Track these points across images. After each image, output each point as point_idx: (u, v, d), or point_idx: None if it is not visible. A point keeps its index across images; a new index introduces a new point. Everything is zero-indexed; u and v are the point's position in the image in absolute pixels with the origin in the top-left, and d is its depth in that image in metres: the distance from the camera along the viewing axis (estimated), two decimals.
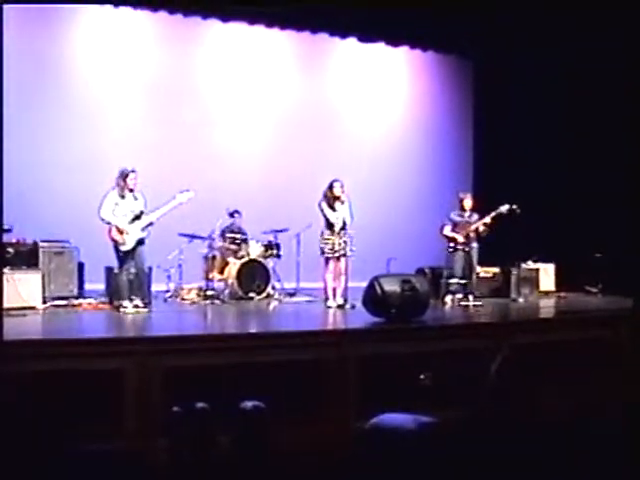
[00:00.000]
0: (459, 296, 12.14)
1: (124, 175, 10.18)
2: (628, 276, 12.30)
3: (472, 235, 12.24)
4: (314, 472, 4.73)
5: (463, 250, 12.24)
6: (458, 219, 12.43)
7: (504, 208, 12.16)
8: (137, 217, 10.19)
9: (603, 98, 13.71)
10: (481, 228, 12.18)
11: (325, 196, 11.11)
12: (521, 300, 12.90)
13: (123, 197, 10.17)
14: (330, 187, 11.11)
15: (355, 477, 3.24)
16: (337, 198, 11.03)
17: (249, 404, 4.38)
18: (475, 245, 12.32)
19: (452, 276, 12.25)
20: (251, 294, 12.36)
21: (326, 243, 11.05)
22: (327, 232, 11.07)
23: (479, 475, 2.90)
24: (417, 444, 3.01)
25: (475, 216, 12.37)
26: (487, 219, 12.20)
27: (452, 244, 12.29)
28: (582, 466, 3.66)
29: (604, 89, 13.67)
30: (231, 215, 13.13)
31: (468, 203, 12.51)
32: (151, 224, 10.31)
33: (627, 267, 12.51)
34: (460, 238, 12.23)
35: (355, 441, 3.37)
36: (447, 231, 12.40)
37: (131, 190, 10.23)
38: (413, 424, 3.10)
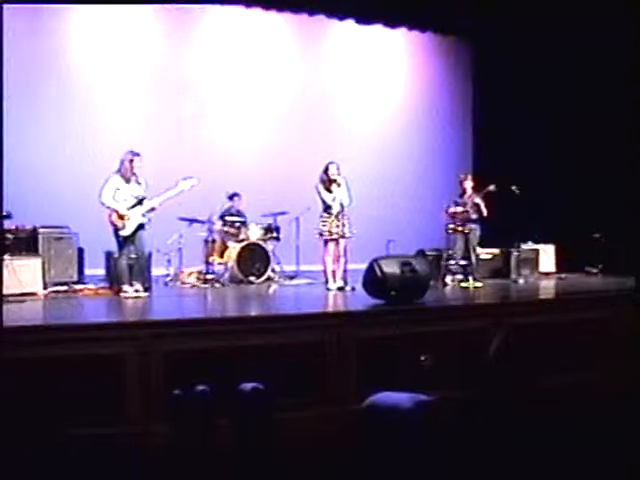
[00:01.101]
0: (459, 277, 12.17)
1: (130, 159, 10.15)
2: (628, 256, 12.32)
3: (468, 216, 12.24)
4: (315, 453, 4.74)
5: (462, 231, 12.26)
6: (460, 200, 12.45)
7: (492, 187, 12.27)
8: (139, 202, 10.17)
9: (603, 79, 13.69)
10: (481, 207, 12.19)
11: (321, 179, 11.09)
12: (521, 281, 12.91)
13: (128, 181, 10.12)
14: (325, 170, 11.08)
15: (354, 456, 3.25)
16: (333, 180, 11.01)
17: (248, 386, 4.39)
18: (476, 226, 12.33)
19: (452, 257, 12.27)
20: (251, 277, 12.36)
21: (324, 225, 11.04)
22: (324, 214, 11.06)
23: (476, 453, 2.91)
24: (413, 422, 3.02)
25: (474, 196, 12.38)
26: (477, 199, 12.24)
27: (452, 225, 12.32)
28: (582, 446, 3.67)
29: (604, 70, 13.66)
30: (230, 198, 13.13)
31: (468, 183, 12.53)
32: (153, 209, 10.30)
33: (627, 248, 12.53)
34: (459, 214, 12.25)
35: (353, 420, 3.38)
36: (451, 210, 12.43)
37: (134, 174, 10.20)
38: (409, 402, 3.11)
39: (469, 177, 12.75)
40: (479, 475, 2.92)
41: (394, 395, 3.25)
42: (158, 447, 5.98)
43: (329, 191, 11.04)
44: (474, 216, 12.31)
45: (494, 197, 12.26)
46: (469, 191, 12.47)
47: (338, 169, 11.08)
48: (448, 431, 2.98)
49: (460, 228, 12.28)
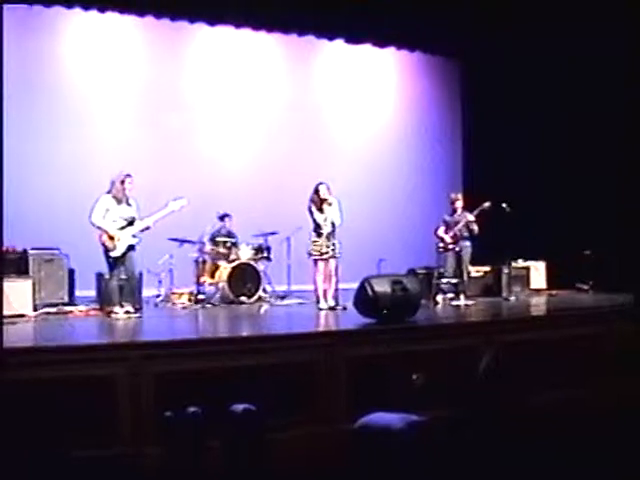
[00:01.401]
0: (450, 296, 12.18)
1: (121, 179, 10.16)
2: (621, 273, 12.35)
3: (460, 234, 12.27)
4: (306, 473, 4.73)
5: (453, 250, 12.28)
6: (449, 219, 12.48)
7: (486, 205, 12.27)
8: (129, 223, 10.17)
9: (592, 97, 13.74)
10: (471, 226, 12.22)
11: (312, 199, 11.09)
12: (512, 298, 12.93)
13: (119, 202, 10.13)
14: (316, 190, 11.08)
15: (346, 477, 3.24)
16: (324, 200, 11.01)
17: (240, 407, 4.38)
18: (467, 244, 12.36)
19: (443, 276, 12.28)
20: (242, 297, 12.34)
21: (314, 245, 11.04)
22: (315, 234, 11.06)
23: (467, 472, 2.90)
24: (405, 443, 3.01)
25: (465, 214, 12.40)
26: (471, 217, 12.25)
27: (442, 244, 12.36)
28: (572, 463, 3.67)
29: (593, 87, 13.72)
30: (221, 218, 13.13)
31: (459, 203, 12.55)
32: (148, 228, 10.30)
33: (620, 264, 12.56)
34: (448, 238, 12.28)
35: (345, 441, 3.37)
36: (440, 232, 12.45)
37: (125, 195, 10.20)
38: (401, 423, 3.10)
39: (459, 196, 12.76)
40: None
41: (386, 416, 3.25)
42: (149, 469, 5.96)
43: (321, 211, 11.04)
44: (466, 234, 12.33)
45: (486, 214, 12.28)
46: (460, 210, 12.49)
47: (329, 189, 11.09)
48: (439, 451, 2.97)
49: (451, 247, 12.30)
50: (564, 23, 13.35)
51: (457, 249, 12.30)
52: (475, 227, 12.25)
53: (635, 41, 12.71)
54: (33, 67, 13.33)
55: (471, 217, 12.27)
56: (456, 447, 2.96)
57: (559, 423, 4.02)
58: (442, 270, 12.37)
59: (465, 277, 12.35)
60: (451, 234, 12.31)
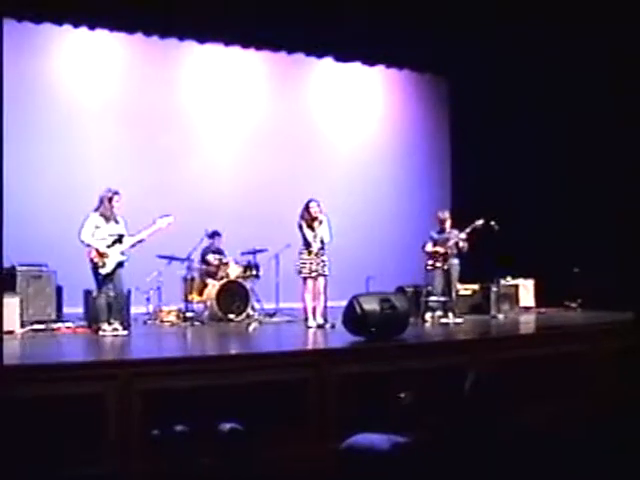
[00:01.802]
0: (439, 314, 12.17)
1: (109, 197, 10.16)
2: (607, 291, 12.38)
3: (450, 252, 12.28)
4: None
5: (442, 268, 12.28)
6: (437, 237, 12.47)
7: (479, 223, 12.24)
8: (117, 240, 10.16)
9: (580, 113, 13.82)
10: (461, 244, 12.22)
11: (302, 216, 11.10)
12: (501, 316, 12.94)
13: (107, 220, 10.13)
14: (306, 207, 11.10)
15: None
16: (315, 218, 11.02)
17: (227, 426, 4.37)
18: (455, 262, 12.36)
19: (432, 294, 12.28)
20: (230, 315, 12.32)
21: (304, 263, 11.04)
22: (304, 252, 11.06)
23: None
24: (390, 464, 3.01)
25: (454, 232, 12.40)
26: (463, 235, 12.24)
27: (431, 262, 12.35)
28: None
29: (580, 104, 13.78)
30: (211, 236, 13.10)
31: (447, 221, 12.55)
32: (139, 242, 10.31)
33: (606, 282, 12.59)
34: (441, 250, 12.26)
35: (332, 461, 3.37)
36: (429, 248, 12.45)
37: (113, 213, 10.20)
38: (387, 444, 3.10)
39: (447, 213, 12.77)
40: None
41: (371, 436, 3.24)
42: None
43: (311, 228, 11.05)
44: (455, 252, 12.34)
45: (477, 233, 12.29)
46: (449, 228, 12.49)
47: (319, 206, 11.10)
48: (425, 472, 2.97)
49: (440, 265, 12.30)
50: (550, 41, 13.43)
51: (446, 267, 12.30)
52: (465, 245, 12.25)
53: (617, 64, 12.82)
54: (22, 84, 13.28)
55: (463, 235, 12.26)
56: (442, 467, 2.95)
57: (546, 440, 4.02)
58: (430, 288, 12.37)
59: (454, 295, 12.36)
60: (441, 251, 12.31)
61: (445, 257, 12.31)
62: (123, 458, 6.69)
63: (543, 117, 14.55)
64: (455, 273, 12.39)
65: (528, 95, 14.70)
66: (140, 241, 10.35)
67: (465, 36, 13.91)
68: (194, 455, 4.37)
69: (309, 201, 11.15)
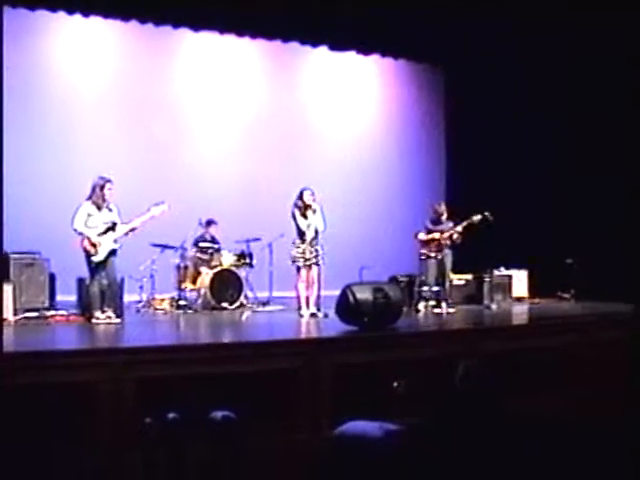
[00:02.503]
0: (432, 303, 12.18)
1: (101, 185, 10.15)
2: (600, 281, 12.39)
3: (444, 243, 12.28)
4: None
5: (435, 257, 12.28)
6: (431, 227, 12.47)
7: (476, 218, 12.23)
8: (110, 228, 10.15)
9: (575, 104, 13.81)
10: (455, 236, 12.22)
11: (296, 205, 11.10)
12: (494, 307, 12.94)
13: (99, 208, 10.13)
14: (300, 196, 11.10)
15: None
16: (308, 206, 11.02)
17: (219, 414, 4.36)
18: (448, 252, 12.36)
19: (425, 284, 12.29)
20: (224, 304, 12.33)
21: (298, 252, 11.05)
22: (298, 241, 11.07)
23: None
24: (382, 451, 3.01)
25: (449, 224, 12.40)
26: (459, 228, 12.24)
27: (424, 251, 12.34)
28: (553, 471, 3.67)
29: (577, 94, 13.78)
30: (207, 224, 13.08)
31: (442, 212, 12.54)
32: (132, 230, 10.29)
33: (599, 273, 12.60)
34: (436, 235, 12.25)
35: (323, 450, 3.37)
36: (422, 236, 12.44)
37: (105, 201, 10.19)
38: (379, 431, 3.10)
39: (443, 204, 12.77)
40: None
41: (363, 424, 3.24)
42: (129, 475, 5.94)
43: (304, 217, 11.05)
44: (448, 243, 12.34)
45: (473, 227, 12.27)
46: (444, 219, 12.48)
47: (313, 195, 11.10)
48: (417, 460, 2.97)
49: (434, 254, 12.30)
50: (548, 32, 13.42)
51: (439, 257, 12.31)
52: (459, 238, 12.24)
53: (616, 53, 12.81)
54: (15, 71, 13.21)
55: (459, 229, 12.24)
56: (434, 456, 2.95)
57: (541, 431, 4.03)
58: (424, 278, 12.38)
59: (447, 285, 12.37)
60: (435, 240, 12.31)
61: (439, 247, 12.31)
62: (116, 445, 6.69)
63: (539, 109, 14.53)
64: (448, 263, 12.39)
65: (524, 86, 14.68)
66: (133, 229, 10.33)
67: (462, 26, 13.90)
68: (187, 443, 4.37)
69: (303, 190, 11.15)
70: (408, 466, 2.95)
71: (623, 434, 4.59)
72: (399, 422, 3.20)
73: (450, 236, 12.27)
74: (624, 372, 8.84)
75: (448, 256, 12.38)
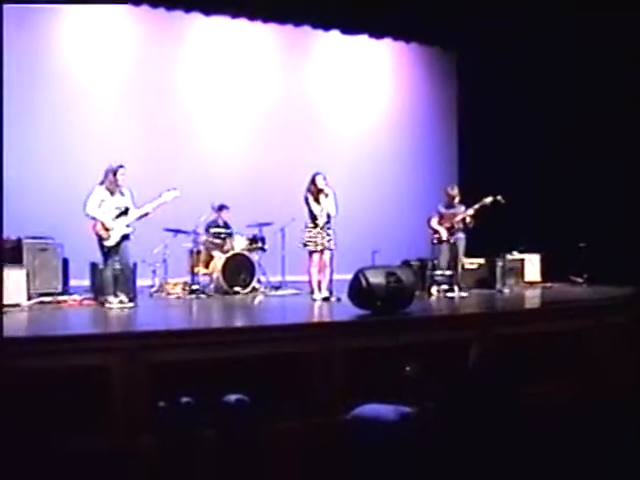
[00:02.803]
0: (444, 287, 12.17)
1: (113, 171, 10.16)
2: (613, 266, 12.36)
3: (457, 226, 12.28)
4: (300, 465, 4.73)
5: (448, 242, 12.28)
6: (444, 211, 12.47)
7: (488, 200, 12.22)
8: (123, 213, 10.17)
9: (588, 88, 13.74)
10: (468, 219, 12.22)
11: (309, 189, 11.10)
12: (506, 291, 12.92)
13: (112, 193, 10.14)
14: (312, 180, 11.10)
15: (338, 467, 3.25)
16: (321, 191, 11.02)
17: (232, 398, 4.38)
18: (462, 236, 12.36)
19: (437, 268, 12.29)
20: (236, 288, 12.34)
21: (310, 236, 11.05)
22: (311, 225, 11.07)
23: (458, 465, 2.91)
24: (398, 434, 3.02)
25: (462, 207, 12.40)
26: (471, 211, 12.23)
27: (437, 235, 12.35)
28: (566, 455, 3.68)
29: (589, 79, 13.70)
30: (219, 209, 13.09)
31: (454, 195, 12.53)
32: (145, 215, 10.32)
33: (612, 257, 12.57)
34: (443, 232, 12.28)
35: (338, 432, 3.38)
36: (434, 223, 12.45)
37: (118, 186, 10.20)
38: (393, 414, 3.10)
39: (455, 187, 12.76)
40: None
41: (378, 407, 3.25)
42: (143, 459, 5.96)
43: (317, 202, 11.04)
44: (461, 226, 12.34)
45: (485, 210, 12.26)
46: (457, 202, 12.48)
47: (325, 179, 11.10)
48: (431, 443, 2.97)
49: (446, 238, 12.30)
50: (562, 14, 13.34)
51: (452, 241, 12.30)
52: (472, 221, 12.24)
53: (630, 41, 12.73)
54: (26, 57, 13.26)
55: (470, 212, 12.24)
56: (447, 438, 2.96)
57: (553, 415, 4.03)
58: (436, 262, 12.38)
59: (459, 269, 12.36)
60: (447, 225, 12.31)
61: (451, 231, 12.31)
62: (129, 430, 6.72)
63: (552, 91, 14.45)
64: (461, 247, 12.39)
65: (537, 68, 14.60)
66: (146, 214, 10.35)
67: (474, 9, 13.83)
68: (200, 427, 4.39)
69: (315, 174, 11.15)
70: (423, 448, 2.96)
71: (635, 418, 4.59)
72: (413, 406, 3.21)
73: (463, 219, 12.27)
74: (636, 356, 8.82)
75: (461, 240, 12.38)
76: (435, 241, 12.41)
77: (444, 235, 12.29)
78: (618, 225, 12.96)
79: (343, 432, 3.34)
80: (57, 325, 9.09)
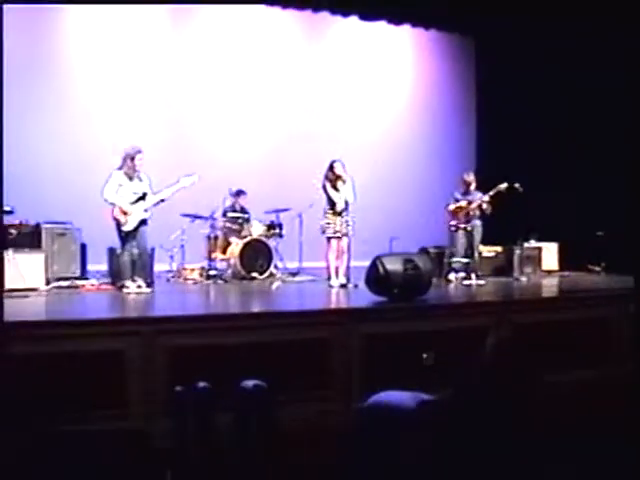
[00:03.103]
0: (462, 275, 12.16)
1: (131, 156, 10.18)
2: (631, 255, 12.30)
3: (473, 213, 12.27)
4: (316, 451, 4.74)
5: (465, 229, 12.27)
6: (461, 197, 12.46)
7: (503, 186, 12.20)
8: (141, 198, 10.20)
9: (607, 75, 13.64)
10: (484, 206, 12.21)
11: (327, 176, 11.10)
12: (524, 279, 12.87)
13: (130, 178, 10.17)
14: (331, 167, 11.11)
15: (354, 455, 3.24)
16: (339, 177, 11.02)
17: (250, 383, 4.39)
18: (478, 223, 12.36)
19: (454, 255, 12.28)
20: (254, 274, 12.35)
21: (328, 223, 11.06)
22: (329, 212, 11.07)
23: (477, 454, 2.90)
24: (416, 422, 3.01)
25: (478, 194, 12.39)
26: (486, 197, 12.22)
27: (454, 222, 12.34)
28: (584, 444, 3.67)
29: (608, 65, 13.60)
30: (236, 195, 13.10)
31: (470, 181, 12.53)
32: (162, 201, 10.35)
33: (630, 246, 12.50)
34: (463, 203, 12.26)
35: (355, 419, 3.37)
36: (452, 208, 12.44)
37: (136, 171, 10.23)
38: (412, 402, 3.10)
39: (472, 175, 12.75)
40: (478, 475, 2.92)
41: (396, 394, 3.24)
42: (160, 443, 5.99)
43: (335, 188, 11.05)
44: (478, 213, 12.33)
45: (501, 195, 12.25)
46: (473, 189, 12.48)
47: (343, 166, 11.10)
48: (450, 430, 2.97)
49: (463, 226, 12.29)
50: (579, 5, 13.25)
51: (469, 228, 12.29)
52: (489, 207, 12.24)
53: None
54: (38, 43, 13.31)
55: (486, 198, 12.24)
56: (465, 426, 2.95)
57: (572, 404, 4.02)
58: (453, 249, 12.38)
59: (476, 256, 12.35)
60: (464, 209, 12.31)
61: (468, 218, 12.30)
62: (146, 414, 6.76)
63: (572, 77, 14.36)
64: (477, 235, 12.39)
65: (555, 55, 14.51)
66: (163, 199, 10.38)
67: None
68: (217, 411, 4.40)
69: (333, 161, 11.15)
70: (442, 437, 2.95)
71: None
72: (430, 393, 3.20)
73: (479, 206, 12.26)
74: None
75: (477, 227, 12.37)
76: (453, 228, 12.40)
77: (464, 204, 12.28)
78: (636, 214, 12.88)
79: (361, 419, 3.34)
80: (75, 310, 9.15)
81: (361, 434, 3.25)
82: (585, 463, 3.82)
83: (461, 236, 12.35)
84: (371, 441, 3.15)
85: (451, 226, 12.43)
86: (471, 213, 12.29)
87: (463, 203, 12.35)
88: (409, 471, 2.99)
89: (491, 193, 12.24)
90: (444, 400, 3.05)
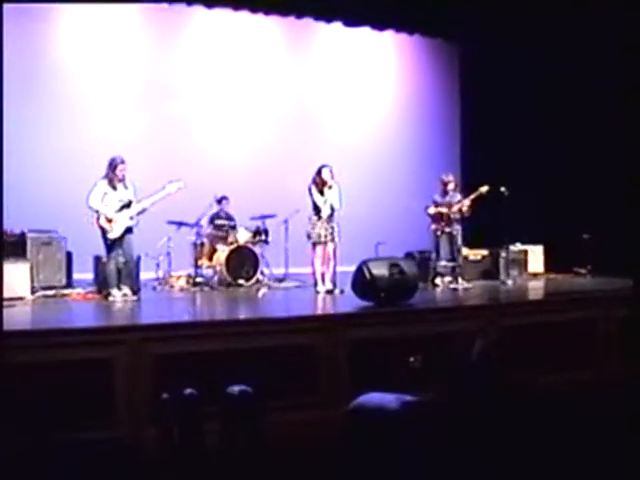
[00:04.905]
0: (448, 279, 12.18)
1: (113, 166, 10.17)
2: (617, 257, 12.34)
3: (453, 216, 12.28)
4: (304, 456, 4.74)
5: (446, 233, 12.28)
6: (440, 200, 12.47)
7: (484, 189, 12.25)
8: (126, 206, 10.18)
9: (591, 79, 13.69)
10: (464, 209, 12.23)
11: (314, 181, 11.09)
12: (510, 282, 12.90)
13: (114, 188, 10.17)
14: (318, 172, 11.09)
15: (340, 457, 3.25)
16: (325, 183, 11.02)
17: (236, 389, 4.39)
18: (458, 227, 12.36)
19: (440, 259, 12.29)
20: (240, 280, 12.33)
21: (313, 228, 11.05)
22: (314, 217, 11.07)
23: (460, 454, 2.91)
24: (399, 422, 3.02)
25: (458, 196, 12.43)
26: (467, 201, 12.25)
27: (435, 226, 12.37)
28: (572, 446, 3.68)
29: (592, 70, 13.66)
30: (219, 201, 13.10)
31: (450, 183, 12.54)
32: (144, 210, 10.33)
33: (615, 248, 12.54)
34: (443, 211, 12.27)
35: (342, 423, 3.38)
36: (431, 211, 12.44)
37: (121, 180, 10.22)
38: (395, 403, 3.11)
39: (451, 177, 12.75)
40: (465, 476, 2.93)
41: (380, 396, 3.25)
42: (146, 451, 5.98)
43: (321, 193, 11.04)
44: (457, 216, 12.35)
45: (482, 199, 12.28)
46: (452, 191, 12.49)
47: (331, 172, 11.09)
48: (434, 432, 2.98)
49: (448, 230, 12.30)
50: (565, 6, 13.29)
51: (454, 232, 12.31)
52: (469, 211, 12.26)
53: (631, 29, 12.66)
54: (28, 52, 13.26)
55: (467, 202, 12.26)
56: (451, 428, 2.96)
57: (557, 405, 4.03)
58: (436, 253, 12.39)
59: (460, 259, 12.38)
60: (444, 212, 12.32)
61: (448, 221, 12.31)
62: (133, 422, 6.75)
63: (554, 82, 14.43)
64: (458, 236, 12.40)
65: (539, 59, 14.57)
66: (150, 206, 10.36)
67: (476, 0, 13.80)
68: (203, 418, 4.40)
69: (322, 166, 11.13)
70: (425, 438, 2.96)
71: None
72: (416, 395, 3.21)
73: (459, 209, 12.28)
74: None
75: (458, 231, 12.37)
76: (439, 233, 12.40)
77: (444, 211, 12.29)
78: (622, 216, 12.93)
79: (344, 420, 3.35)
80: (61, 318, 9.11)
81: (346, 436, 3.25)
82: (576, 464, 3.82)
83: (444, 240, 12.36)
84: (356, 443, 3.16)
85: (434, 230, 12.44)
86: (452, 216, 12.31)
87: (444, 209, 12.35)
88: (395, 470, 3.00)
89: (472, 196, 12.28)
90: (428, 401, 3.06)
